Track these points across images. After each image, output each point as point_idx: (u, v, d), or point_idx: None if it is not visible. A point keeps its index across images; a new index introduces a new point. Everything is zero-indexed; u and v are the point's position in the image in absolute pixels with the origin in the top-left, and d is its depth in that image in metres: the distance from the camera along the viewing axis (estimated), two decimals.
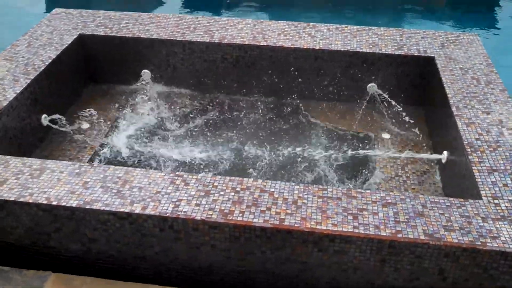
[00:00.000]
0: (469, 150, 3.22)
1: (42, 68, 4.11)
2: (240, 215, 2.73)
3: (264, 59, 4.50)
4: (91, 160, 3.99)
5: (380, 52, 4.32)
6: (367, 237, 2.61)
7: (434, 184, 3.78)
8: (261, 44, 4.45)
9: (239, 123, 4.45)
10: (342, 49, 4.37)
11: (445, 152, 3.68)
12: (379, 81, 4.41)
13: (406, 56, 4.30)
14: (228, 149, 4.15)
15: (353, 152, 3.93)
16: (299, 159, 3.99)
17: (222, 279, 2.98)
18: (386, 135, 4.28)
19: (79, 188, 2.91)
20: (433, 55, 4.26)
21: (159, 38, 4.56)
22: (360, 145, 4.18)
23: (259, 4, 8.60)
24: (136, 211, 2.75)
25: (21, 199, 2.83)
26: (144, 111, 4.55)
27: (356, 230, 2.64)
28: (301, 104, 4.61)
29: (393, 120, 4.35)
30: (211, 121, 4.48)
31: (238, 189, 2.92)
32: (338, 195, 2.88)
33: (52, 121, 4.21)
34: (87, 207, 2.78)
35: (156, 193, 2.88)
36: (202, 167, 3.95)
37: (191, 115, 4.53)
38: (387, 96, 4.33)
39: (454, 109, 3.61)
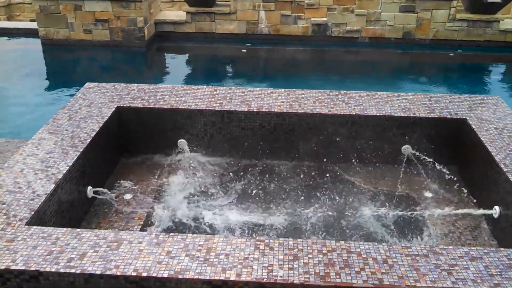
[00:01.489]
0: None
1: (88, 140, 4.10)
2: (337, 277, 2.71)
3: (302, 126, 4.64)
4: (142, 230, 3.91)
5: (414, 116, 4.54)
6: None
7: (488, 239, 3.86)
8: (299, 111, 4.61)
9: (283, 188, 4.48)
10: (377, 114, 4.57)
11: (497, 207, 3.81)
12: (414, 143, 4.58)
13: (439, 119, 4.53)
14: (278, 213, 4.15)
15: (408, 212, 4.02)
16: (351, 220, 4.03)
17: None
18: (428, 194, 4.39)
19: (164, 257, 2.84)
20: (464, 117, 4.50)
21: (197, 108, 4.66)
22: (405, 204, 4.27)
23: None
24: (232, 278, 2.69)
25: (108, 272, 2.73)
26: (184, 180, 4.54)
27: (456, 286, 2.65)
28: (339, 168, 4.72)
29: (431, 180, 4.49)
30: (252, 187, 4.50)
31: (324, 251, 2.91)
32: (424, 252, 2.91)
33: (95, 192, 4.15)
34: (180, 276, 2.70)
35: (245, 259, 2.84)
36: (259, 231, 3.92)
37: (234, 181, 4.56)
38: (426, 157, 4.49)
39: (502, 166, 3.78)
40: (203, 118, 4.69)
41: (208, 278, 2.70)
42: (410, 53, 9.64)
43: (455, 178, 4.41)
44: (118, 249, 2.91)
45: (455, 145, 4.60)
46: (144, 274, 2.72)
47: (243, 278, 2.70)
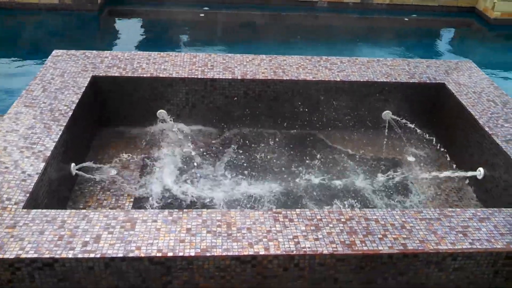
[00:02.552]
0: None
1: (70, 113, 3.81)
2: (363, 244, 2.75)
3: (287, 93, 4.58)
4: (136, 207, 3.74)
5: (396, 81, 4.62)
6: (486, 251, 2.77)
7: (472, 199, 4.08)
8: (284, 78, 4.54)
9: (270, 156, 4.45)
10: (360, 80, 4.60)
11: (481, 169, 4.00)
12: (394, 108, 4.68)
13: (419, 84, 4.64)
14: (270, 182, 4.13)
15: (400, 176, 4.15)
16: (341, 186, 4.10)
17: None
18: (411, 158, 4.54)
19: (185, 235, 2.74)
20: (443, 81, 4.65)
21: (179, 76, 4.45)
22: (391, 169, 4.39)
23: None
24: (261, 253, 2.65)
25: (130, 255, 2.59)
26: (169, 152, 4.38)
27: (474, 246, 2.78)
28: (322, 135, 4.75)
29: (413, 144, 4.64)
30: (240, 157, 4.43)
31: (343, 220, 2.94)
32: (436, 216, 3.02)
33: (78, 170, 3.91)
34: (207, 254, 2.62)
35: (268, 232, 2.80)
36: (256, 202, 3.88)
37: (219, 151, 4.46)
38: (406, 121, 4.61)
39: (487, 129, 3.96)
40: (185, 87, 4.50)
41: (236, 254, 2.64)
42: (368, 18, 9.75)
43: (435, 142, 4.58)
44: (133, 229, 2.77)
45: (434, 110, 4.75)
46: (170, 254, 2.61)
47: (272, 251, 2.67)
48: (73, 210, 2.92)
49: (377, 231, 2.85)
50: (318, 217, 2.95)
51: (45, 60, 4.54)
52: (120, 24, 9.32)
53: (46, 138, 3.49)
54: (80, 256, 2.57)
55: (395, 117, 4.70)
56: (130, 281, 2.67)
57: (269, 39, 8.79)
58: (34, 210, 2.87)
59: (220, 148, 4.52)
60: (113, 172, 4.10)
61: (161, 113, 4.56)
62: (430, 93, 4.69)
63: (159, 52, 4.79)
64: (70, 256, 2.56)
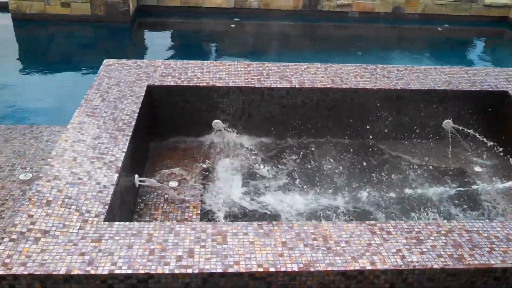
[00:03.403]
0: None
1: (133, 123, 3.67)
2: (472, 258, 2.58)
3: (346, 101, 4.45)
4: (205, 220, 3.58)
5: (457, 89, 4.48)
6: None
7: None
8: (343, 87, 4.41)
9: (332, 167, 4.29)
10: (421, 88, 4.47)
11: None
12: (457, 116, 4.54)
13: (481, 92, 4.50)
14: (335, 194, 3.97)
15: (471, 186, 3.99)
16: (411, 198, 3.95)
17: None
18: (478, 168, 4.38)
19: (282, 249, 2.57)
20: (505, 89, 4.51)
21: (235, 85, 4.32)
22: (458, 179, 4.22)
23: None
24: (368, 267, 2.48)
25: (230, 270, 2.42)
26: (230, 163, 4.22)
27: None
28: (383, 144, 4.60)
29: (478, 154, 4.48)
30: (302, 167, 4.27)
31: (443, 232, 2.77)
32: None
33: (140, 181, 3.75)
34: (311, 269, 2.45)
35: (368, 246, 2.63)
36: (322, 214, 3.72)
37: (280, 161, 4.31)
38: (469, 130, 4.46)
39: None
40: (241, 96, 4.36)
41: (342, 269, 2.47)
42: (399, 27, 9.70)
43: (502, 152, 4.41)
44: (226, 243, 2.60)
45: (497, 118, 4.60)
46: (272, 269, 2.44)
47: (379, 266, 2.49)
48: (157, 223, 2.76)
49: (482, 244, 2.68)
50: (416, 229, 2.78)
51: (93, 69, 4.42)
52: (151, 35, 9.24)
53: (114, 148, 3.34)
54: (176, 271, 2.40)
55: (456, 125, 4.56)
56: None
57: (303, 49, 8.67)
58: (117, 223, 2.71)
59: (280, 159, 4.36)
60: (175, 184, 3.94)
61: (217, 123, 4.42)
62: (492, 101, 4.55)
63: (212, 61, 4.66)
64: (166, 271, 2.39)
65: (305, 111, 4.48)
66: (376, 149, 4.55)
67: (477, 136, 4.44)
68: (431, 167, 4.38)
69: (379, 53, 8.71)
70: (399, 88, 4.45)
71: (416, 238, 2.71)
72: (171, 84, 4.29)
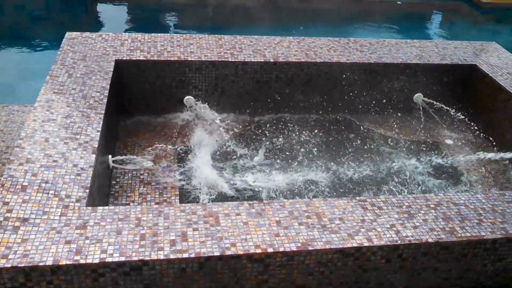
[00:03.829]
0: None
1: (105, 100, 3.46)
2: (464, 231, 2.62)
3: (320, 76, 4.39)
4: (185, 202, 3.46)
5: (429, 62, 4.52)
6: None
7: None
8: (318, 61, 4.34)
9: (308, 142, 4.25)
10: (394, 62, 4.47)
11: None
12: (426, 90, 4.59)
13: (451, 65, 4.56)
14: (311, 168, 3.94)
15: (442, 159, 4.05)
16: (387, 169, 3.99)
17: None
18: (449, 141, 4.47)
19: (278, 228, 2.51)
20: (473, 63, 4.59)
21: (208, 60, 4.16)
22: (432, 152, 4.30)
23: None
24: (365, 244, 2.46)
25: (228, 252, 2.33)
26: (202, 140, 4.09)
27: None
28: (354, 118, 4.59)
29: (449, 126, 4.57)
30: (277, 143, 4.21)
31: (432, 206, 2.79)
32: None
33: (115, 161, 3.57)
34: (309, 248, 2.40)
35: (362, 222, 2.61)
36: (305, 189, 3.69)
37: (256, 137, 4.22)
38: (440, 104, 4.52)
39: None
40: (215, 71, 4.21)
41: (340, 246, 2.43)
42: (360, 2, 9.67)
43: (471, 125, 4.52)
44: (219, 224, 2.50)
45: (465, 92, 4.69)
46: (270, 249, 2.37)
47: (376, 242, 2.48)
48: (144, 206, 2.62)
49: (471, 216, 2.73)
50: (406, 203, 2.79)
51: (52, 43, 4.13)
52: (109, 7, 8.75)
53: (88, 128, 3.14)
54: (172, 256, 2.29)
55: (426, 99, 4.61)
56: (223, 282, 2.42)
57: (265, 23, 8.50)
58: (101, 208, 2.55)
59: (254, 136, 4.28)
60: (149, 164, 3.77)
61: (189, 99, 4.26)
62: (462, 75, 4.63)
63: (182, 35, 4.46)
64: (161, 257, 2.28)
65: (280, 86, 4.39)
66: (352, 123, 4.54)
67: (447, 108, 4.52)
68: (403, 140, 4.42)
69: (341, 26, 8.69)
70: (372, 62, 4.43)
71: (407, 213, 2.71)
72: (141, 58, 4.08)
